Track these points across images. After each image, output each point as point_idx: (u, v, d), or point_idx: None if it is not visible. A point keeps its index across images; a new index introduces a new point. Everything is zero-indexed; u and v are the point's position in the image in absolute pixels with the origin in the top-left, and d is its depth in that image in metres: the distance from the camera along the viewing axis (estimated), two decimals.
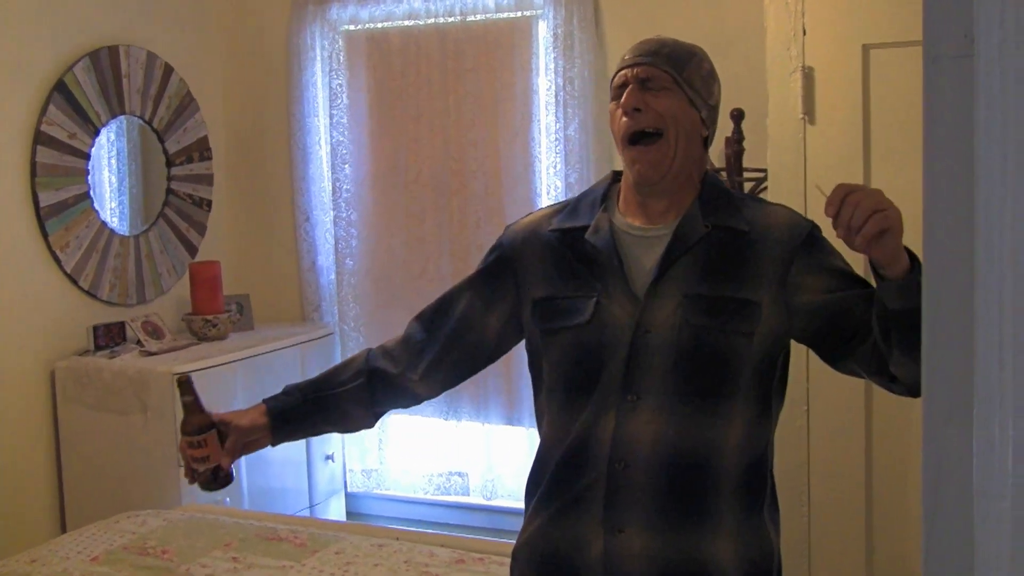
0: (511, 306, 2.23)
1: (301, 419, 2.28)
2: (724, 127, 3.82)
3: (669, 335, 2.01)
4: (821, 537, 3.33)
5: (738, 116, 3.77)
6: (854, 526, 3.29)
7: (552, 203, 2.52)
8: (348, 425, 2.36)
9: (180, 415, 4.03)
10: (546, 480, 2.12)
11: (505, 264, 2.24)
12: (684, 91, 2.07)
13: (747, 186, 3.78)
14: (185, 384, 2.21)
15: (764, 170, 3.54)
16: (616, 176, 2.23)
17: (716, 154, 3.88)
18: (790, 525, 3.24)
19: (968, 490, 0.80)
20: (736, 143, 3.78)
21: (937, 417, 0.82)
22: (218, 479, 2.23)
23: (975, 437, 0.78)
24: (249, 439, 2.25)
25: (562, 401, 2.11)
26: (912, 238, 1.49)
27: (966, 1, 0.80)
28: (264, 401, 2.28)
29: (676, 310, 2.02)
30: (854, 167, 3.23)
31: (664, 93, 2.07)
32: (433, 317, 2.31)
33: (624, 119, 2.08)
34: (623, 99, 2.08)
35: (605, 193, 2.20)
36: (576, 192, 4.38)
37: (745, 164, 3.79)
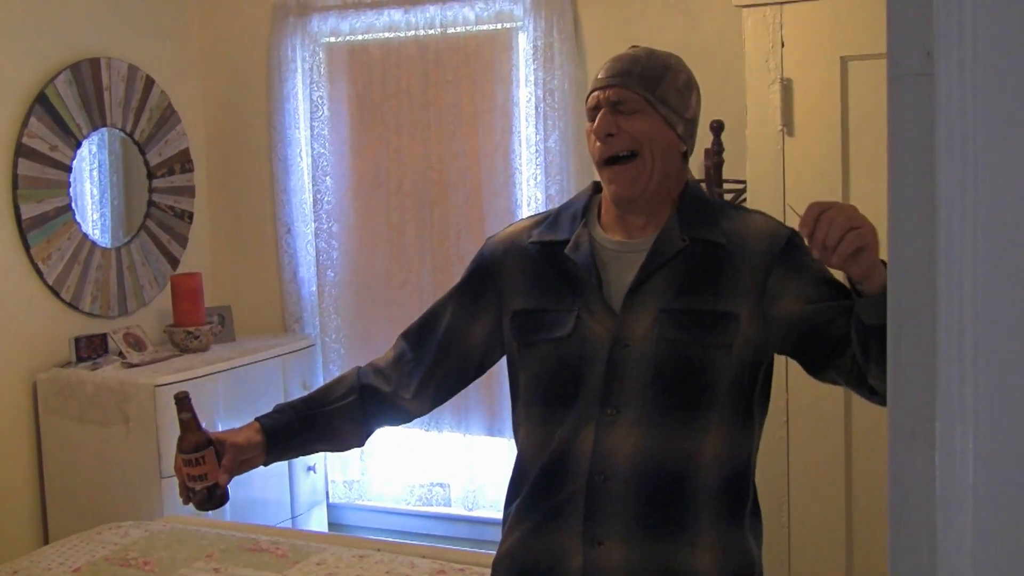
0: (494, 317, 2.23)
1: (294, 436, 2.25)
2: (704, 139, 3.84)
3: (647, 349, 2.02)
4: (801, 547, 3.35)
5: (718, 128, 3.79)
6: (834, 536, 3.31)
7: (533, 214, 2.50)
8: (340, 442, 2.34)
9: (161, 427, 4.06)
10: (525, 492, 2.13)
11: (486, 275, 2.24)
12: (658, 111, 2.07)
13: (727, 197, 3.80)
14: (183, 400, 2.16)
15: (743, 181, 3.56)
16: (597, 187, 2.23)
17: (696, 165, 3.89)
18: (770, 535, 3.25)
19: (931, 503, 0.82)
20: (716, 155, 3.80)
21: (901, 431, 0.84)
22: (214, 498, 2.18)
23: (938, 451, 0.80)
24: (244, 457, 2.22)
25: (540, 414, 2.12)
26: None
27: (927, 20, 0.81)
28: (257, 419, 2.26)
29: (653, 325, 2.02)
30: (833, 178, 3.26)
31: (637, 116, 2.07)
32: (420, 333, 2.31)
33: (598, 144, 2.09)
34: (595, 124, 2.09)
35: (586, 205, 2.20)
36: (557, 203, 4.40)
37: (725, 175, 3.81)
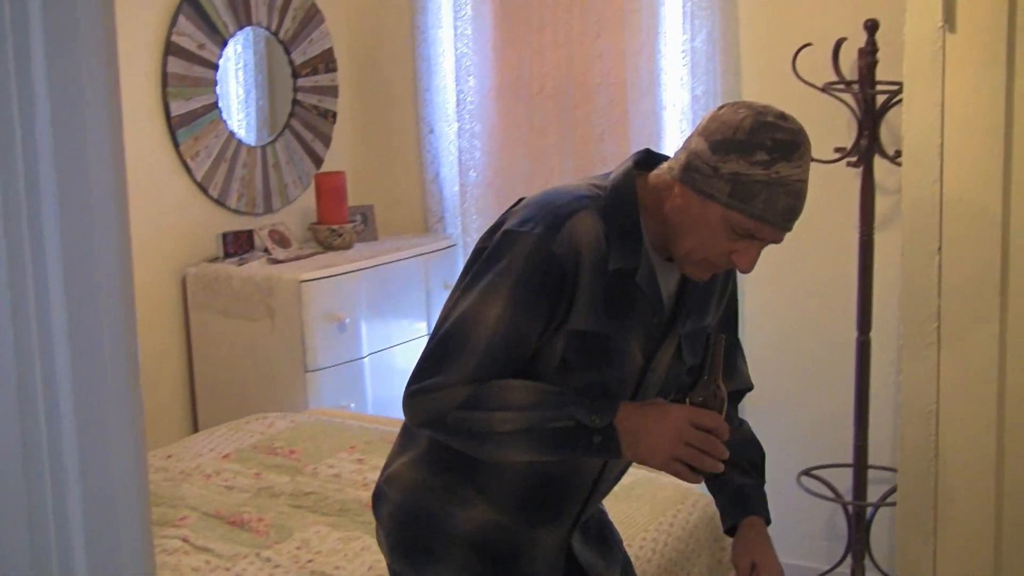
0: (552, 323, 1.93)
1: None
2: (857, 38, 3.71)
3: (662, 373, 2.03)
4: (951, 460, 3.26)
5: (872, 27, 3.66)
6: (984, 446, 3.22)
7: (584, 195, 1.95)
8: None
9: (306, 323, 4.14)
10: (498, 491, 2.04)
11: (562, 282, 1.89)
12: None
13: (879, 99, 3.68)
14: None
15: (899, 83, 3.43)
16: (637, 164, 1.98)
17: (847, 66, 3.78)
18: (918, 454, 3.21)
19: None
20: (869, 54, 3.68)
21: None
22: None
23: None
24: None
25: None
26: None
27: None
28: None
29: (675, 350, 2.03)
30: (996, 79, 3.11)
31: None
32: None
33: (725, 262, 1.89)
34: (747, 261, 1.86)
35: (637, 210, 1.94)
36: (703, 104, 4.29)
37: (878, 76, 3.69)
